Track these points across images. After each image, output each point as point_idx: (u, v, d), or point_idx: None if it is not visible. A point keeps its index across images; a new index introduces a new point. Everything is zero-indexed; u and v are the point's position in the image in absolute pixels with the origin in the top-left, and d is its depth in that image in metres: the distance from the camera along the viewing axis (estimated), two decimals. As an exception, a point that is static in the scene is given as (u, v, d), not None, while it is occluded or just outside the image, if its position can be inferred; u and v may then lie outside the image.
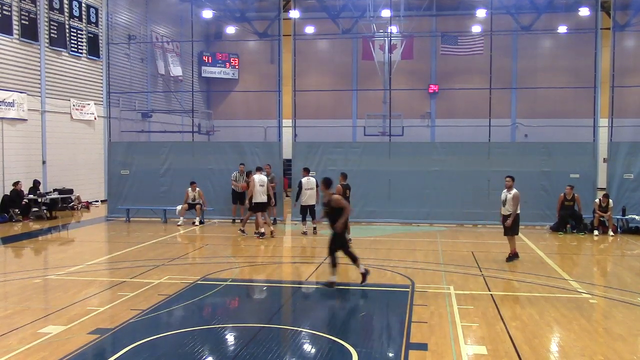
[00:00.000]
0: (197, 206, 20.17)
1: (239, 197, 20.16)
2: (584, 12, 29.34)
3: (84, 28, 26.58)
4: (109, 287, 11.14)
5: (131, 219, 21.18)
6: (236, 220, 20.12)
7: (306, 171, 18.56)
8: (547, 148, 20.50)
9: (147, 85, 30.50)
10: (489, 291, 10.98)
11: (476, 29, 32.05)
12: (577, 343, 8.12)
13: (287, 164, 22.45)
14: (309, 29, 34.10)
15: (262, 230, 17.11)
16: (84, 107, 26.50)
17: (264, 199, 17.30)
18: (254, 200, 17.23)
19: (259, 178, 17.42)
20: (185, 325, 9.04)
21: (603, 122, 20.87)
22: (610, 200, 18.63)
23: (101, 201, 26.21)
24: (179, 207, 20.11)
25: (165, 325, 8.96)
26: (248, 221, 18.22)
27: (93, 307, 9.57)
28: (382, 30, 31.09)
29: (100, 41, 27.08)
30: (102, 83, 26.62)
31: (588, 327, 8.81)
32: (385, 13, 29.03)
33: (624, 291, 11.12)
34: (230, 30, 36.18)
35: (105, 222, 21.16)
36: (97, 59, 27.24)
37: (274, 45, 27.63)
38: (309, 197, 17.89)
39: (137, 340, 7.97)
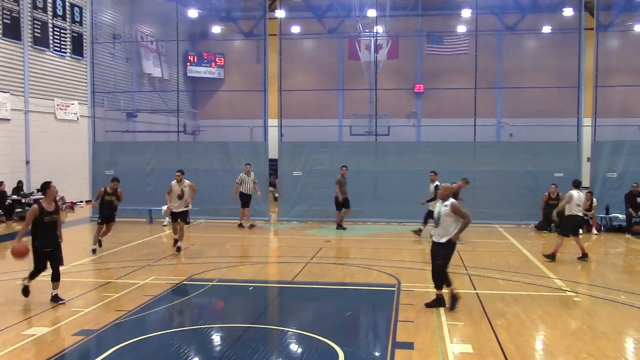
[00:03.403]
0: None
1: (248, 199, 19.67)
2: (568, 12, 29.54)
3: (68, 27, 26.38)
4: (94, 288, 11.06)
5: (116, 219, 21.00)
6: (243, 225, 19.66)
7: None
8: (531, 147, 20.67)
9: (132, 84, 30.32)
10: (475, 290, 11.04)
11: (461, 28, 32.17)
12: (561, 341, 8.18)
13: (273, 163, 22.40)
14: (295, 29, 34.05)
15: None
16: (68, 106, 26.30)
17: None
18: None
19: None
20: (171, 326, 9.00)
21: (587, 121, 21.06)
22: (594, 199, 18.81)
23: (86, 201, 26.03)
24: (164, 208, 19.91)
25: (150, 326, 8.91)
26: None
27: (78, 308, 9.50)
28: (367, 30, 31.12)
29: (85, 40, 26.88)
30: (86, 82, 26.43)
31: (572, 325, 8.88)
32: (371, 13, 29.05)
33: (608, 289, 11.21)
34: (216, 29, 36.04)
35: (90, 223, 21.00)
36: (81, 58, 27.04)
37: (260, 44, 27.54)
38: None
39: (122, 342, 7.92)
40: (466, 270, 12.84)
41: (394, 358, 7.46)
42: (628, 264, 14.25)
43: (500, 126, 31.60)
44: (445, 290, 9.63)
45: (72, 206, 25.01)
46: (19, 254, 9.66)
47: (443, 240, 9.50)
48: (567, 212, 14.11)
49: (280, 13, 24.45)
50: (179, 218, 14.94)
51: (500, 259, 14.37)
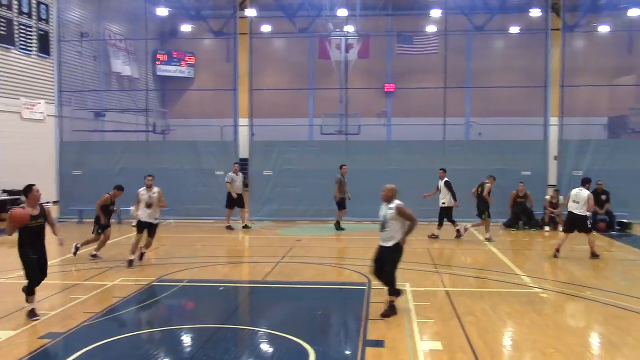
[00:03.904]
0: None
1: (236, 200, 19.01)
2: (535, 13, 29.98)
3: (34, 25, 25.93)
4: (61, 290, 10.90)
5: (84, 220, 20.76)
6: (232, 227, 19.02)
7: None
8: (500, 146, 20.95)
9: (99, 83, 29.92)
10: (444, 287, 11.15)
11: (431, 28, 32.45)
12: (529, 336, 8.31)
13: (244, 163, 22.32)
14: (265, 28, 33.97)
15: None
16: (35, 106, 25.84)
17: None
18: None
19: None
20: (140, 327, 8.91)
21: (553, 120, 21.41)
22: (561, 197, 19.12)
23: (53, 202, 25.56)
24: (133, 208, 19.76)
25: (119, 328, 8.81)
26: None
27: (44, 310, 9.33)
28: (338, 30, 31.20)
29: (51, 38, 26.43)
30: (53, 81, 25.92)
31: (539, 321, 9.02)
32: (342, 12, 29.14)
33: (574, 285, 11.42)
34: (186, 28, 35.77)
35: (57, 224, 20.64)
36: (47, 56, 26.60)
37: (230, 43, 27.38)
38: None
39: (90, 344, 7.81)
40: (436, 267, 12.96)
41: (365, 356, 7.50)
42: (593, 260, 14.49)
43: (469, 125, 31.93)
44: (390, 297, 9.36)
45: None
46: (18, 218, 8.81)
47: (390, 243, 9.21)
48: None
49: (250, 12, 24.39)
50: (148, 231, 13.45)
51: (469, 256, 14.55)
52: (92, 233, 14.14)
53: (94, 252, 13.93)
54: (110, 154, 21.57)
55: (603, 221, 18.81)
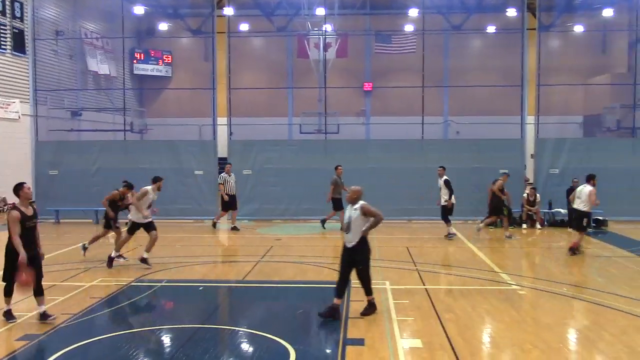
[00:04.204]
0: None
1: (233, 200, 18.72)
2: (512, 12, 30.23)
3: (8, 23, 25.52)
4: (38, 292, 10.74)
5: (61, 220, 20.54)
6: (235, 227, 18.69)
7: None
8: (477, 145, 21.13)
9: (76, 82, 29.57)
10: (424, 285, 11.21)
11: (409, 28, 32.57)
12: (507, 333, 8.40)
13: (223, 162, 22.22)
14: (244, 27, 33.81)
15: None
16: (9, 105, 25.44)
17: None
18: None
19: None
20: (119, 328, 8.83)
21: (530, 119, 21.66)
22: (538, 195, 19.35)
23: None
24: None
25: (98, 329, 8.72)
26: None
27: (21, 312, 9.20)
28: (316, 29, 31.18)
29: (26, 37, 26.05)
30: (28, 80, 25.59)
31: (517, 318, 9.12)
32: (320, 11, 29.11)
33: (551, 282, 11.56)
34: (163, 26, 35.47)
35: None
36: (22, 55, 26.18)
37: (208, 42, 27.22)
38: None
39: (68, 346, 7.73)
40: (415, 266, 13.03)
41: (345, 354, 7.52)
42: (570, 257, 14.68)
43: (447, 124, 32.16)
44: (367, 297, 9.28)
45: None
46: (26, 284, 8.50)
47: (355, 242, 8.99)
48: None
49: (228, 10, 24.27)
50: (147, 228, 13.14)
51: (448, 254, 14.65)
52: (103, 228, 14.16)
53: (117, 254, 13.52)
54: (87, 153, 21.36)
55: (579, 218, 19.07)
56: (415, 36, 29.60)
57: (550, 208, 19.95)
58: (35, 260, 8.74)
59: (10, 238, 8.68)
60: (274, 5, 32.83)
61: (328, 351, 7.88)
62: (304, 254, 14.62)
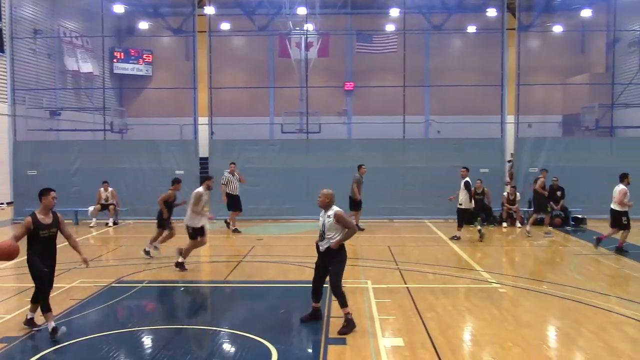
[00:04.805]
0: (111, 207, 19.61)
1: (236, 200, 18.28)
2: (492, 12, 30.48)
3: (-15, 21, 25.20)
4: (17, 294, 10.65)
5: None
6: (238, 230, 18.17)
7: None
8: (458, 144, 21.25)
9: (55, 81, 29.26)
10: (405, 284, 11.26)
11: (390, 27, 32.65)
12: (488, 331, 8.46)
13: (204, 162, 22.13)
14: (225, 26, 33.66)
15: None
16: (-13, 104, 25.12)
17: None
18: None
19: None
20: (99, 329, 8.74)
21: (510, 118, 21.83)
22: (518, 194, 19.51)
23: (7, 203, 24.97)
24: (91, 208, 19.49)
25: (78, 330, 8.62)
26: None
27: (1, 315, 9.11)
28: (298, 28, 31.17)
29: (4, 35, 25.72)
30: (6, 79, 25.31)
31: (498, 316, 9.19)
32: (301, 11, 29.09)
33: (531, 280, 11.67)
34: (143, 25, 35.20)
35: (12, 225, 20.18)
36: (0, 54, 25.87)
37: (189, 41, 27.07)
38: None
39: (47, 348, 7.66)
40: (396, 264, 13.08)
41: (327, 354, 7.53)
42: (550, 255, 14.85)
43: (429, 123, 32.29)
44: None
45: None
46: (6, 253, 7.89)
47: (329, 247, 8.57)
48: None
49: (209, 9, 24.19)
50: (201, 234, 12.78)
51: (429, 253, 14.72)
52: (158, 228, 14.12)
53: (155, 244, 13.96)
54: (66, 153, 21.15)
55: (558, 217, 19.26)
56: (397, 36, 29.69)
57: (530, 207, 20.11)
58: (49, 272, 8.26)
59: (27, 251, 8.18)
60: (255, 4, 32.73)
61: (310, 351, 7.89)
62: (286, 253, 14.61)
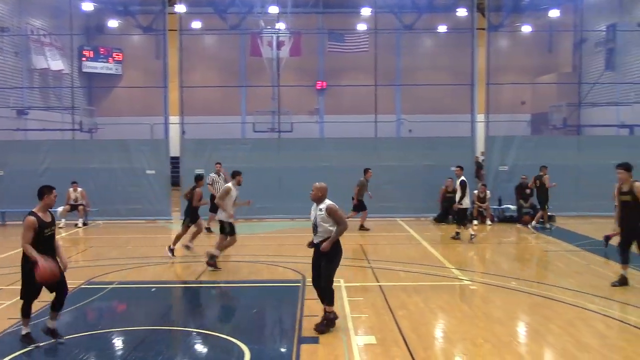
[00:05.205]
0: (80, 207, 19.34)
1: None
2: (462, 12, 30.80)
3: (-51, 19, 24.67)
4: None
5: (7, 222, 19.96)
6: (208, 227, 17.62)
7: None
8: (429, 143, 21.43)
9: (22, 80, 28.75)
10: (378, 282, 11.31)
11: (362, 27, 32.80)
12: (459, 328, 8.55)
13: (175, 161, 21.95)
14: (196, 24, 33.45)
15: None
16: (-49, 103, 24.60)
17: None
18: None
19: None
20: (69, 332, 8.61)
21: (480, 117, 22.08)
22: (488, 192, 19.73)
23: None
24: (60, 209, 19.17)
25: (46, 333, 8.49)
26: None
27: (-35, 318, 8.94)
28: (270, 27, 31.11)
29: (-31, 33, 25.23)
30: (-29, 78, 24.85)
31: (469, 313, 9.29)
32: (273, 9, 29.05)
33: (501, 276, 11.81)
34: (113, 23, 34.79)
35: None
36: (-35, 52, 25.36)
37: (159, 40, 26.90)
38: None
39: (15, 351, 7.53)
40: (369, 263, 13.14)
41: (300, 353, 7.53)
42: (519, 252, 15.05)
43: (400, 122, 32.52)
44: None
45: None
46: (50, 276, 7.51)
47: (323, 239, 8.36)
48: None
49: (180, 8, 23.98)
50: (230, 230, 12.56)
51: (401, 251, 14.81)
52: (184, 225, 14.18)
53: (187, 244, 13.85)
54: (34, 153, 20.79)
55: (528, 214, 19.50)
56: (368, 35, 29.82)
57: (500, 204, 20.36)
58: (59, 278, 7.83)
59: (24, 252, 7.81)
60: (226, 3, 32.58)
61: (283, 350, 7.88)
62: (258, 253, 14.57)
